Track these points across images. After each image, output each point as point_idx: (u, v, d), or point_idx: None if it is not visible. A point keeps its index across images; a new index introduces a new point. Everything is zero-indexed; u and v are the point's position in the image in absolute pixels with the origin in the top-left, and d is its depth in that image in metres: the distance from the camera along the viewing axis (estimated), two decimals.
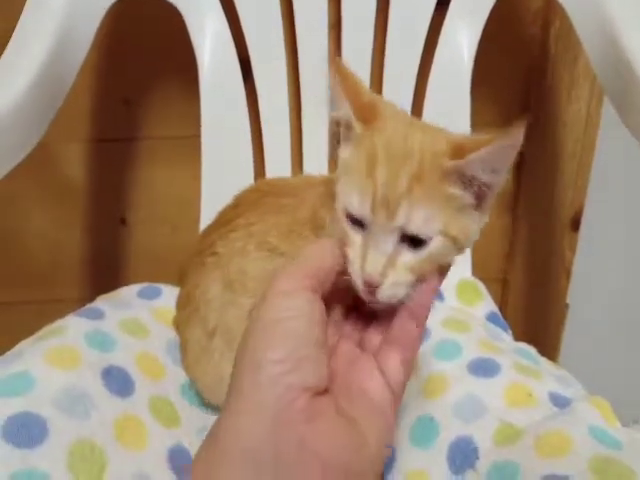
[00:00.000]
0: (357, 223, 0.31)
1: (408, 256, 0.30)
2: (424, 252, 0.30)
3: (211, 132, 0.61)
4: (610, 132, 0.76)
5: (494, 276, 0.86)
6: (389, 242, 0.30)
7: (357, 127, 0.32)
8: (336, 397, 0.29)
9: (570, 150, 0.77)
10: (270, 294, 0.29)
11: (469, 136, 0.32)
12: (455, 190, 0.30)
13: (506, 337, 0.54)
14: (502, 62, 0.73)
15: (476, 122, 0.76)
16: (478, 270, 0.63)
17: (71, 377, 0.39)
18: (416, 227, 0.30)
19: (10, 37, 0.50)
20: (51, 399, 0.37)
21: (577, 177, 0.79)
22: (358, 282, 0.30)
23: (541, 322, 0.87)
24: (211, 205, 0.53)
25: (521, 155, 0.88)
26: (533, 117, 0.78)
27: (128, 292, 0.55)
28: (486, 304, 0.59)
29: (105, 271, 0.79)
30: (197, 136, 0.61)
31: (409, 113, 0.62)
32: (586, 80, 0.73)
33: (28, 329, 0.45)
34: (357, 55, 0.63)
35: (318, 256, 0.31)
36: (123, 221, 0.77)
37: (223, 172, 0.62)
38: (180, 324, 0.49)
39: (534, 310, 0.86)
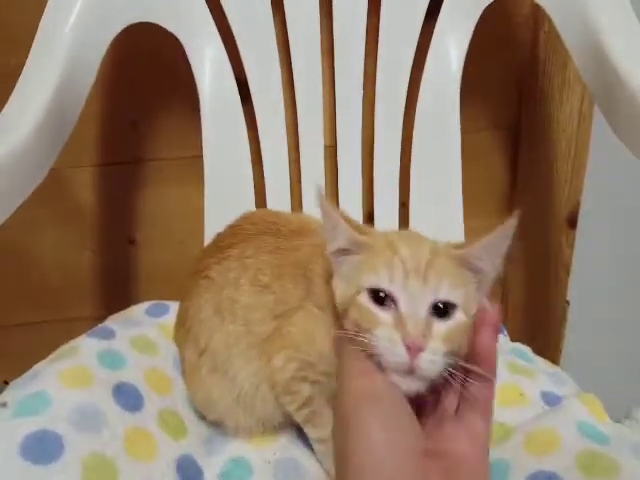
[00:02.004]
0: (380, 302, 0.32)
1: (440, 325, 0.32)
2: (452, 322, 0.32)
3: (212, 153, 0.63)
4: (603, 130, 0.77)
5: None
6: (424, 310, 0.31)
7: (362, 238, 0.34)
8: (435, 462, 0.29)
9: (564, 149, 0.78)
10: (351, 375, 0.31)
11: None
12: (465, 271, 0.33)
13: (501, 338, 0.56)
14: (493, 66, 0.75)
15: (469, 127, 0.77)
16: None
17: (84, 395, 0.42)
18: (446, 292, 0.32)
19: (21, 71, 0.53)
20: (66, 417, 0.40)
21: (572, 175, 0.80)
22: (399, 351, 0.30)
23: (542, 320, 0.88)
24: (215, 223, 0.55)
25: (516, 155, 0.89)
26: (526, 119, 0.79)
27: (137, 310, 0.58)
28: None
29: (116, 290, 0.81)
30: (202, 156, 0.63)
31: (401, 123, 0.65)
32: (577, 81, 0.74)
33: (43, 348, 0.47)
34: (350, 73, 0.65)
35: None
36: (132, 241, 0.79)
37: (225, 191, 0.64)
38: (178, 342, 0.51)
39: (534, 308, 0.87)
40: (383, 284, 0.32)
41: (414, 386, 0.31)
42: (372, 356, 0.31)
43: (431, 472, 0.28)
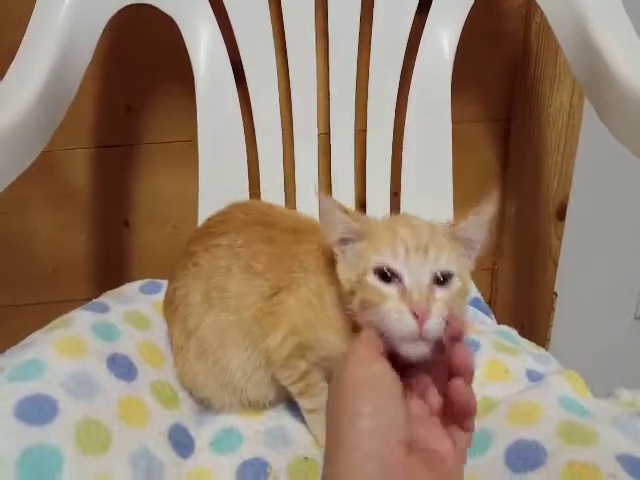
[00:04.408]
0: (386, 279, 0.35)
1: (441, 292, 0.35)
2: (452, 287, 0.35)
3: (207, 135, 0.64)
4: (593, 123, 0.78)
5: (484, 266, 0.88)
6: (426, 281, 0.34)
7: (362, 225, 0.37)
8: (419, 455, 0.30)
9: (554, 141, 0.79)
10: (352, 362, 0.32)
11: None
12: (458, 244, 0.38)
13: (488, 320, 0.57)
14: (485, 57, 0.75)
15: (461, 118, 0.78)
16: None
17: (78, 363, 0.43)
18: (444, 263, 0.35)
19: (16, 51, 0.53)
20: (60, 382, 0.41)
21: (562, 167, 0.81)
22: (407, 320, 0.33)
23: (530, 311, 0.89)
24: (209, 205, 0.56)
25: (506, 147, 0.90)
26: (517, 110, 0.80)
27: (130, 288, 0.58)
28: None
29: (110, 272, 0.81)
30: (196, 140, 0.64)
31: (393, 113, 0.66)
32: (568, 73, 0.75)
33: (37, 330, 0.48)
34: (344, 60, 0.66)
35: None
36: (126, 223, 0.80)
37: (219, 173, 0.65)
38: (167, 319, 0.52)
39: (523, 299, 0.88)
40: (388, 261, 0.35)
41: (423, 350, 0.33)
42: (382, 334, 0.33)
43: (415, 466, 0.29)
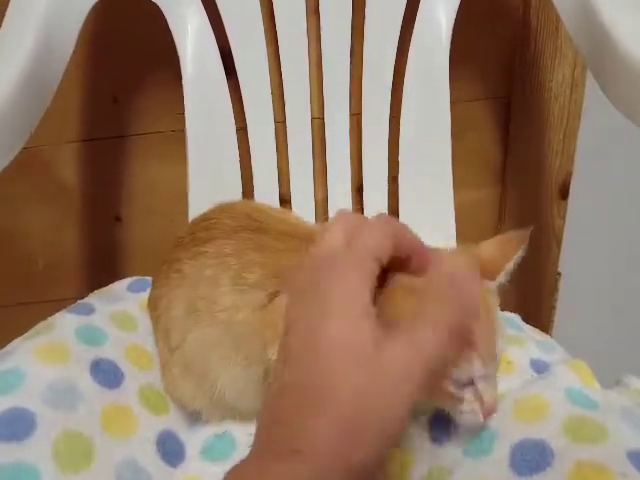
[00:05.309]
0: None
1: None
2: None
3: (196, 127, 0.62)
4: (596, 99, 0.76)
5: None
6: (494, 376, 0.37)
7: None
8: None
9: (556, 118, 0.77)
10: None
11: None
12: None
13: None
14: (484, 33, 0.73)
15: (460, 97, 0.76)
16: (468, 242, 0.64)
17: (59, 371, 0.41)
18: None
19: None
20: (39, 394, 0.39)
21: (564, 145, 0.79)
22: (478, 420, 0.36)
23: (534, 291, 0.88)
24: (199, 200, 0.54)
25: (507, 125, 0.88)
26: (518, 87, 0.78)
27: (119, 286, 0.57)
28: None
29: (102, 269, 0.80)
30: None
31: (389, 94, 0.64)
32: (569, 48, 0.73)
33: (27, 330, 0.47)
34: (336, 37, 0.63)
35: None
36: (118, 218, 0.78)
37: (209, 166, 0.63)
38: (152, 324, 0.49)
39: (526, 280, 0.87)
40: (478, 371, 0.36)
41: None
42: None
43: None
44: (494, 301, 0.39)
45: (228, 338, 0.43)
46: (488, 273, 0.38)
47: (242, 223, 0.45)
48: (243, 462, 0.26)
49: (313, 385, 0.26)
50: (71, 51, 0.55)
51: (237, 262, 0.43)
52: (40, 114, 0.52)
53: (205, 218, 0.47)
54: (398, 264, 0.31)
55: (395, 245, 0.30)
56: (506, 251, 0.39)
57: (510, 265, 0.39)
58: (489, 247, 0.39)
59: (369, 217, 0.32)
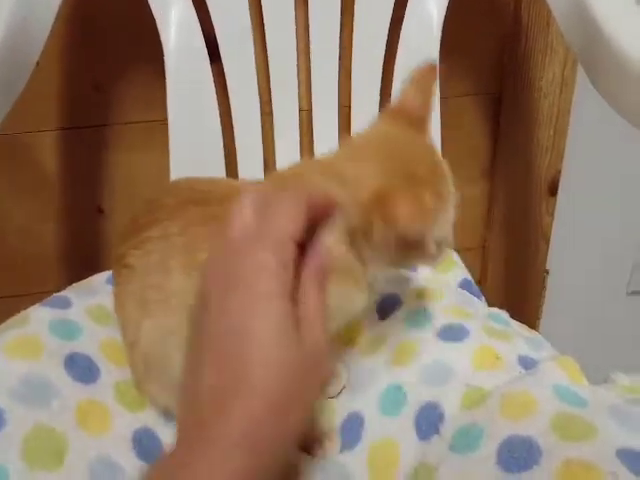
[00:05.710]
0: None
1: None
2: None
3: (178, 116, 0.60)
4: (586, 96, 0.76)
5: (474, 244, 0.87)
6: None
7: None
8: None
9: (546, 115, 0.77)
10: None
11: None
12: None
13: (478, 303, 0.55)
14: (475, 28, 0.73)
15: (450, 92, 0.75)
16: (457, 238, 0.64)
17: (32, 366, 0.40)
18: None
19: None
20: (9, 388, 0.38)
21: (554, 142, 0.79)
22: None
23: (521, 289, 0.88)
24: None
25: (497, 122, 0.88)
26: (508, 84, 0.78)
27: (98, 279, 0.55)
28: (459, 272, 0.59)
29: (84, 262, 0.78)
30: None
31: (378, 87, 0.64)
32: (560, 44, 0.73)
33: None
34: (325, 28, 0.62)
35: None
36: (100, 210, 0.77)
37: (193, 157, 0.61)
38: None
39: (514, 277, 0.87)
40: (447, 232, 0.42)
41: None
42: None
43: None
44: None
45: (183, 324, 0.40)
46: (422, 117, 0.40)
47: (185, 198, 0.42)
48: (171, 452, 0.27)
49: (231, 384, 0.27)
50: (46, 36, 0.53)
51: (186, 241, 0.39)
52: (12, 99, 0.50)
53: (146, 202, 0.44)
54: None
55: (308, 216, 0.30)
56: (425, 87, 0.41)
57: (435, 98, 0.39)
58: (409, 94, 0.41)
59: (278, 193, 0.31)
